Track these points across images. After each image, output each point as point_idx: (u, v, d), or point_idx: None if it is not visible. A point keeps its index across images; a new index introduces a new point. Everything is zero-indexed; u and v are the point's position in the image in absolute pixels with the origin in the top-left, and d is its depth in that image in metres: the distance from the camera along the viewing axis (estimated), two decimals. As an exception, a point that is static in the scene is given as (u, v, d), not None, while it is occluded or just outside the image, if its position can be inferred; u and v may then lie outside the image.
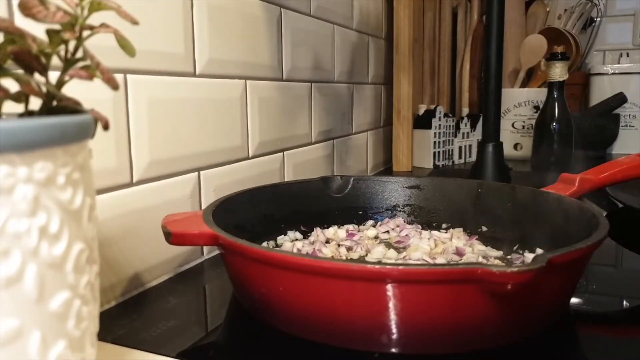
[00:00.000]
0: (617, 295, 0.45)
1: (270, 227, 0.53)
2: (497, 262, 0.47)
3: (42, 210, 0.20)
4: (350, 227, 0.56)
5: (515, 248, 0.50)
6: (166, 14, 0.47)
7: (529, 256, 0.47)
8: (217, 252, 0.54)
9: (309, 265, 0.32)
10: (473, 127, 1.17)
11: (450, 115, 1.13)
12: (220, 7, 0.54)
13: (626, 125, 1.28)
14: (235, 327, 0.39)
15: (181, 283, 0.47)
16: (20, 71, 0.22)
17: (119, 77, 0.42)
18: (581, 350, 0.35)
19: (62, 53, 0.24)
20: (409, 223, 0.58)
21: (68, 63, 0.24)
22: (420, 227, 0.57)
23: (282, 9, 0.66)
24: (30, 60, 0.22)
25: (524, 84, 1.24)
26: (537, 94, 1.18)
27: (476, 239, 0.52)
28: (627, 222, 0.66)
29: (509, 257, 0.49)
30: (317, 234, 0.53)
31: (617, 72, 1.30)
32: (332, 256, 0.48)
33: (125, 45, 0.25)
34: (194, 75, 0.51)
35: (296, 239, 0.53)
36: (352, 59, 0.90)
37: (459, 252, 0.49)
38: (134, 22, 0.25)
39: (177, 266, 0.50)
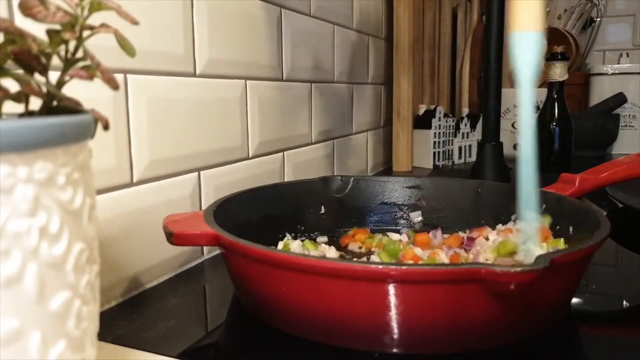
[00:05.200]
0: (618, 295, 0.45)
1: (270, 227, 0.52)
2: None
3: (42, 210, 0.20)
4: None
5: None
6: (166, 14, 0.47)
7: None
8: (217, 252, 0.54)
9: (312, 265, 0.32)
10: (473, 127, 1.17)
11: (450, 115, 1.13)
12: (220, 7, 0.54)
13: (626, 125, 1.28)
14: (236, 327, 0.39)
15: (181, 283, 0.47)
16: (20, 71, 0.22)
17: (119, 77, 0.42)
18: (582, 350, 0.35)
19: (62, 53, 0.23)
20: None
21: (68, 63, 0.24)
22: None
23: (282, 9, 0.66)
24: (31, 60, 0.22)
25: (524, 84, 1.24)
26: (537, 94, 1.18)
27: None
28: (627, 222, 0.66)
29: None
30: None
31: (616, 72, 1.30)
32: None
33: (125, 46, 0.25)
34: (194, 75, 0.51)
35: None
36: (352, 59, 0.90)
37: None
38: (134, 22, 0.25)
39: (178, 266, 0.50)
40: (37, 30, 0.23)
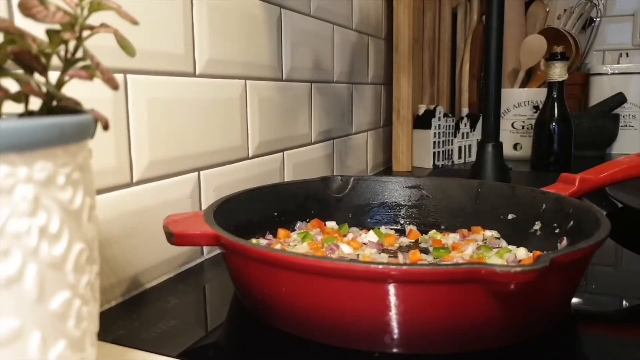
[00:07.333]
0: (617, 295, 0.45)
1: (270, 227, 0.52)
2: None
3: (42, 210, 0.20)
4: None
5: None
6: (166, 14, 0.47)
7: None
8: (217, 252, 0.54)
9: (312, 265, 0.32)
10: (473, 127, 1.17)
11: (450, 115, 1.13)
12: (220, 7, 0.54)
13: (625, 125, 1.28)
14: (236, 327, 0.39)
15: (181, 283, 0.47)
16: (20, 71, 0.22)
17: (119, 77, 0.42)
18: (582, 350, 0.35)
19: (62, 53, 0.23)
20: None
21: (68, 63, 0.23)
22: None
23: (282, 9, 0.66)
24: (30, 60, 0.22)
25: (523, 84, 1.24)
26: (537, 94, 1.18)
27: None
28: (627, 222, 0.66)
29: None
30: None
31: (616, 72, 1.30)
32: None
33: (125, 45, 0.25)
34: (194, 75, 0.51)
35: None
36: (352, 59, 0.90)
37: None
38: (134, 22, 0.25)
39: (177, 266, 0.50)
40: (37, 30, 0.23)
